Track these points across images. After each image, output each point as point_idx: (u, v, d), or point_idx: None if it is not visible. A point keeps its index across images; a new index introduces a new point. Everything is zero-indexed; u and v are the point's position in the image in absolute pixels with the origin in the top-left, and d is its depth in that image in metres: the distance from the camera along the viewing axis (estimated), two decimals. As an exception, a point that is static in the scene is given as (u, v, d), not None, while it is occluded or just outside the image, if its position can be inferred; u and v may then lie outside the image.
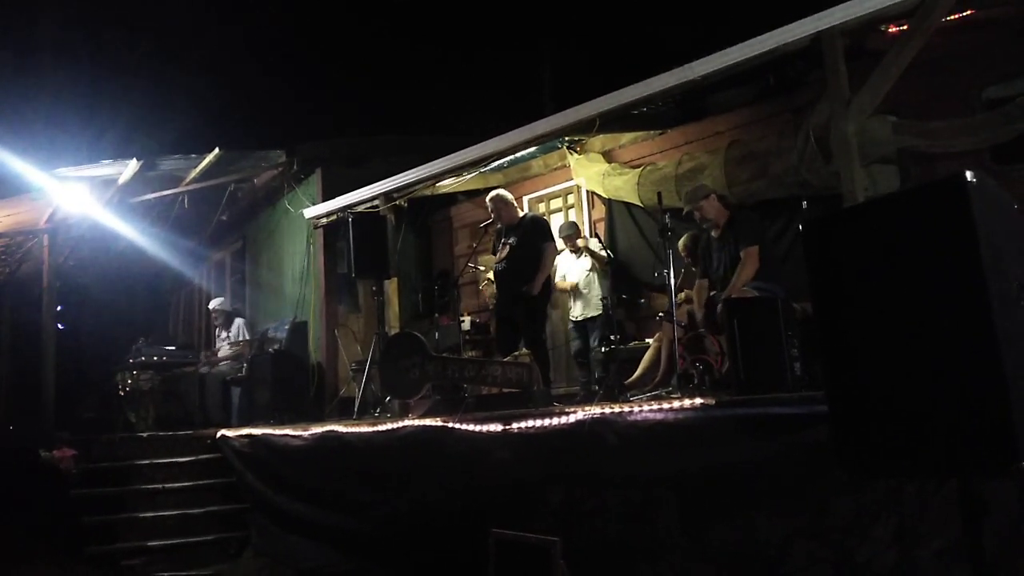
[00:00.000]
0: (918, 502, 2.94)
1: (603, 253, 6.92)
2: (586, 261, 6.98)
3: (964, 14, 4.97)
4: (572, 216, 7.96)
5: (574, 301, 7.06)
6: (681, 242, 6.03)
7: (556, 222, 7.91)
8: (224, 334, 9.21)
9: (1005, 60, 5.14)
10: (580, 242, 7.05)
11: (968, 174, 1.83)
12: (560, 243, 6.89)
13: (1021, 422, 1.75)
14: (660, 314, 5.69)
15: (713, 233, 5.33)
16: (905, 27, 4.66)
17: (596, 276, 6.94)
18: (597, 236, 7.13)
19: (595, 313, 6.83)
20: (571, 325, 7.12)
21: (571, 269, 7.06)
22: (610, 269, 6.86)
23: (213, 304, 9.51)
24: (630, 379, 5.61)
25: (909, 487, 2.95)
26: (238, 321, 9.27)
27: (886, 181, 5.14)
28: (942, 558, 2.86)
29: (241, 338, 9.09)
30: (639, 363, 5.72)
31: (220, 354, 9.17)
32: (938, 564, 2.87)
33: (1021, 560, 2.83)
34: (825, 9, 4.60)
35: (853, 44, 4.83)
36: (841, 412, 2.10)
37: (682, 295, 5.59)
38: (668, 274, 4.97)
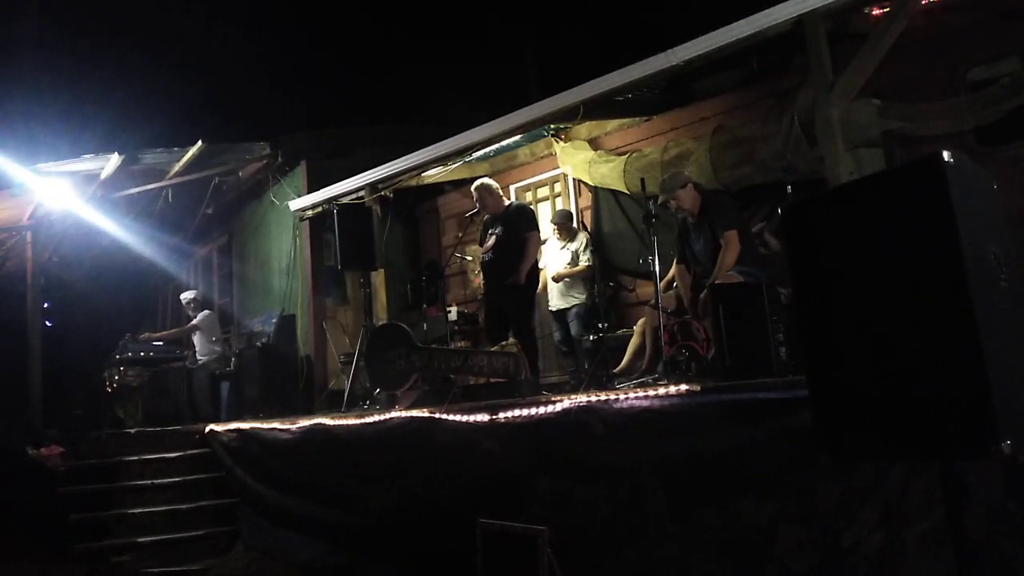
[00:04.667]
0: (904, 485, 2.95)
1: (585, 261, 6.85)
2: (567, 254, 6.94)
3: (947, -5, 4.96)
4: (559, 204, 7.93)
5: (550, 291, 7.01)
6: None
7: (544, 210, 7.89)
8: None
9: (988, 41, 5.12)
10: (571, 246, 6.98)
11: (945, 154, 1.82)
12: (549, 230, 6.84)
13: (1001, 403, 1.75)
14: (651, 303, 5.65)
15: (690, 219, 5.32)
16: (888, 9, 4.64)
17: (573, 268, 6.89)
18: (586, 229, 7.06)
19: (575, 302, 6.80)
20: (551, 314, 7.09)
21: (553, 259, 7.01)
22: (592, 271, 6.80)
23: (185, 296, 9.51)
24: (618, 367, 5.60)
25: (895, 470, 2.95)
26: (204, 312, 9.26)
27: (871, 164, 5.13)
28: (928, 540, 2.87)
29: (197, 323, 9.08)
30: (624, 351, 5.70)
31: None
32: (924, 546, 2.88)
33: (1007, 541, 2.83)
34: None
35: (836, 27, 4.81)
36: (822, 396, 2.10)
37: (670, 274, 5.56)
38: (653, 261, 4.95)
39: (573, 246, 6.93)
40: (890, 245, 1.93)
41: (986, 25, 5.11)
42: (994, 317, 1.83)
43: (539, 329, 7.04)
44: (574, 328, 6.78)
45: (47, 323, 10.04)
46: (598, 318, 6.11)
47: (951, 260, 1.80)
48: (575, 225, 7.13)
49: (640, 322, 5.61)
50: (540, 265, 6.80)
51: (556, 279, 6.87)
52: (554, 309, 7.01)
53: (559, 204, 7.92)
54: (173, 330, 9.61)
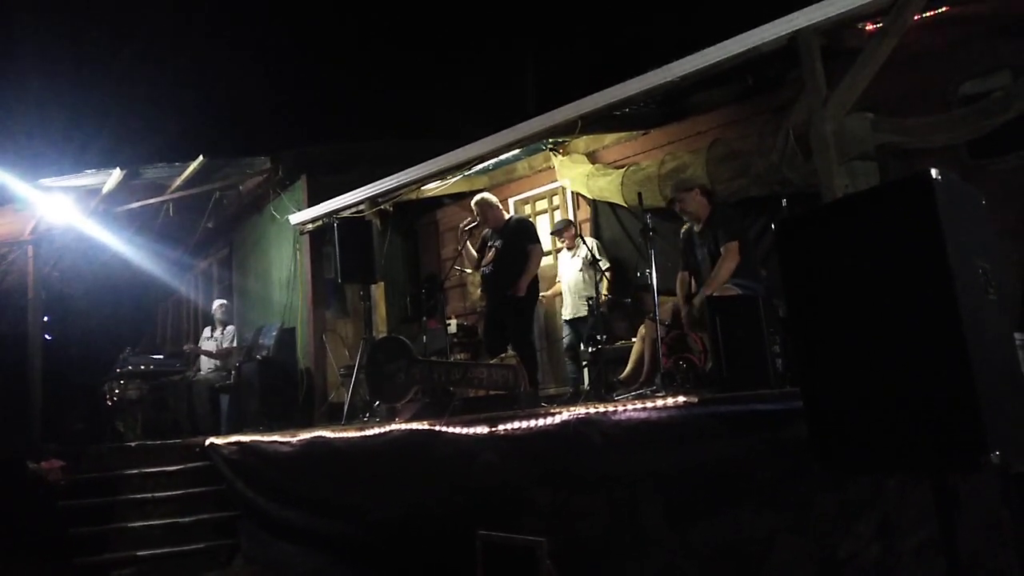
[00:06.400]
0: (900, 496, 2.97)
1: (600, 262, 6.87)
2: (578, 261, 7.00)
3: (939, 11, 5.02)
4: (558, 217, 7.98)
5: (565, 300, 7.08)
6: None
7: (542, 223, 7.94)
8: (218, 332, 9.21)
9: (980, 56, 5.19)
10: (580, 252, 7.01)
11: (933, 171, 1.86)
12: (553, 241, 6.89)
13: (989, 416, 1.78)
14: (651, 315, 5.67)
15: (695, 227, 5.36)
16: (880, 25, 4.70)
17: (585, 276, 6.95)
18: (598, 243, 7.10)
19: (585, 313, 6.84)
20: (563, 323, 7.14)
21: (566, 268, 7.06)
22: (599, 274, 6.84)
23: (219, 302, 9.52)
24: (623, 375, 5.62)
25: (890, 482, 2.97)
26: (231, 327, 9.27)
27: (866, 177, 5.17)
28: (924, 551, 2.89)
29: (227, 343, 9.08)
30: (626, 362, 5.74)
31: (204, 347, 9.20)
32: (920, 558, 2.90)
33: (1001, 551, 2.86)
34: (801, 9, 4.64)
35: (830, 43, 4.86)
36: (816, 408, 2.13)
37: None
38: (651, 273, 4.99)
39: (583, 252, 6.97)
40: (881, 260, 1.97)
41: (978, 40, 5.18)
42: (983, 330, 1.87)
43: (538, 341, 7.08)
44: (586, 338, 6.82)
45: (47, 337, 10.04)
46: (597, 330, 6.14)
47: (940, 275, 1.84)
48: (576, 232, 7.19)
49: (642, 330, 5.65)
50: (556, 277, 6.86)
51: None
52: (568, 318, 7.05)
53: (557, 217, 7.97)
54: (213, 349, 9.32)
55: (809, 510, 3.16)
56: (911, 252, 1.90)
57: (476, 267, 6.61)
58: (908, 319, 1.92)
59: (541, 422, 4.13)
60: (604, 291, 6.73)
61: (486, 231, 6.52)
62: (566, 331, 7.11)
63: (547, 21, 13.84)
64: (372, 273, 7.43)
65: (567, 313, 7.07)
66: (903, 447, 1.93)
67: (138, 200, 9.00)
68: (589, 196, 7.41)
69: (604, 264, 6.88)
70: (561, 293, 7.17)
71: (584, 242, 6.79)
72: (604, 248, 7.17)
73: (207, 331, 9.45)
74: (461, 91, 13.95)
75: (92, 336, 11.42)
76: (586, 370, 6.83)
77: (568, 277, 7.05)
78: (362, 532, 5.17)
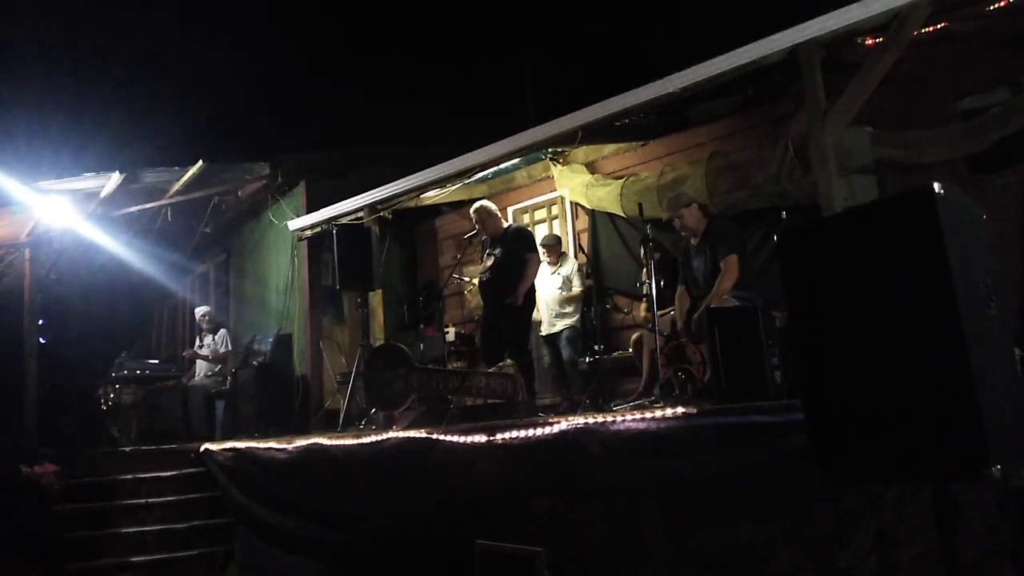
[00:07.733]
0: (898, 507, 2.98)
1: (578, 286, 6.88)
2: (557, 279, 6.97)
3: (938, 27, 5.05)
4: (556, 227, 7.99)
5: (541, 316, 7.02)
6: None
7: (540, 233, 7.95)
8: (209, 338, 9.19)
9: (980, 72, 5.23)
10: (562, 270, 7.03)
11: (936, 185, 1.87)
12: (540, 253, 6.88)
13: (991, 428, 1.79)
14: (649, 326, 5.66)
15: (692, 241, 5.38)
16: (881, 39, 4.73)
17: (565, 293, 6.93)
18: (583, 251, 7.10)
19: (562, 327, 6.82)
20: (540, 339, 7.11)
21: (544, 283, 7.02)
22: (588, 294, 6.83)
23: (200, 311, 9.47)
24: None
25: (889, 492, 2.98)
26: (222, 331, 9.25)
27: (864, 191, 5.20)
28: (922, 562, 2.90)
29: (223, 348, 9.06)
30: (624, 372, 5.73)
31: (201, 352, 9.17)
32: (918, 568, 2.91)
33: (1000, 563, 2.87)
34: (802, 23, 4.67)
35: (830, 56, 4.89)
36: (817, 419, 2.14)
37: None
38: (650, 284, 5.00)
39: (564, 271, 6.97)
40: (883, 273, 1.98)
41: (977, 56, 5.22)
42: (984, 343, 1.88)
43: (535, 351, 7.07)
44: (565, 352, 6.80)
45: (42, 340, 10.00)
46: (594, 340, 6.14)
47: (942, 288, 1.85)
48: (564, 249, 7.19)
49: (635, 338, 5.65)
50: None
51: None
52: (544, 334, 7.04)
53: (556, 226, 7.99)
54: (209, 355, 9.33)
55: (807, 520, 3.17)
56: (913, 265, 1.91)
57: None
58: (910, 331, 1.93)
59: (540, 431, 4.13)
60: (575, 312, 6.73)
61: (484, 239, 6.53)
62: (544, 350, 7.06)
63: (548, 31, 13.92)
64: (370, 280, 7.43)
65: (543, 329, 7.03)
66: (904, 456, 1.94)
67: (136, 204, 8.98)
68: (588, 206, 7.42)
69: (578, 286, 6.86)
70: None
71: (583, 252, 6.79)
72: (592, 267, 7.10)
73: (198, 341, 9.40)
74: (461, 99, 14.01)
75: (88, 340, 11.37)
76: (578, 383, 6.79)
77: (546, 293, 6.98)
78: (358, 540, 5.15)
